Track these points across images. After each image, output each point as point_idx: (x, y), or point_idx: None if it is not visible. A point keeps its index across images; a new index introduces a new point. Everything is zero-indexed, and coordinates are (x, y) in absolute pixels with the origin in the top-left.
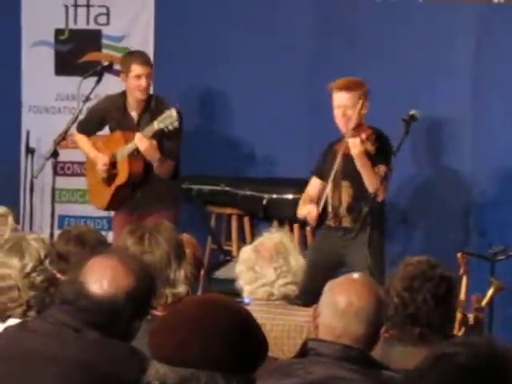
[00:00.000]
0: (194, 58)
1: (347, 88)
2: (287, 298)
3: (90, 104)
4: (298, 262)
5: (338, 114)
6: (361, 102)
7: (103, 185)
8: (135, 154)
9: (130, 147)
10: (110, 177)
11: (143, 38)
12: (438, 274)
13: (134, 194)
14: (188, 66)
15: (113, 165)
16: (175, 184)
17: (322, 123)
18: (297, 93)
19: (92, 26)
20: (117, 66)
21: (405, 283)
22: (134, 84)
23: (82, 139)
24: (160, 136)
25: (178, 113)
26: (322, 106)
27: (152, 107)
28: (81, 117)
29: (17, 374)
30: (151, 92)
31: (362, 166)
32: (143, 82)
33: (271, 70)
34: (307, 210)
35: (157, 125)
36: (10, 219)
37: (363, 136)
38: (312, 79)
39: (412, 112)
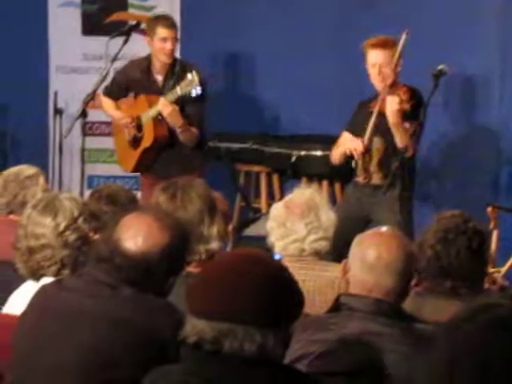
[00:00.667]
0: (221, 18)
1: (382, 46)
2: (318, 254)
3: (117, 64)
4: (328, 217)
5: (373, 72)
6: (397, 60)
7: (129, 148)
8: (159, 117)
9: (154, 111)
10: (136, 140)
11: None
12: (472, 228)
13: (159, 158)
14: (215, 26)
15: (138, 128)
16: (200, 149)
17: (350, 81)
18: (323, 51)
19: None
20: (144, 26)
21: (438, 236)
22: (159, 47)
23: (106, 101)
24: (182, 102)
25: (201, 78)
26: (350, 64)
27: (176, 71)
28: (109, 77)
29: (55, 331)
30: (178, 56)
31: (395, 124)
32: (168, 44)
33: (297, 32)
34: (355, 143)
35: (180, 90)
36: (41, 179)
37: (403, 96)
38: (338, 38)
39: (440, 67)
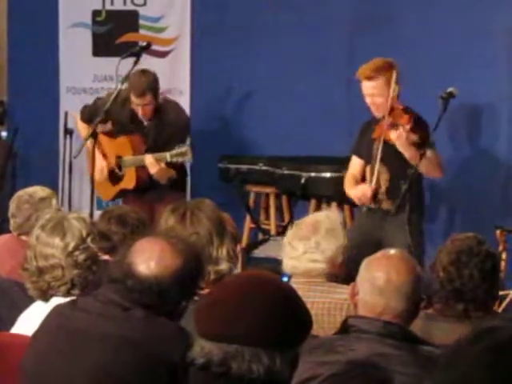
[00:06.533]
0: (232, 36)
1: (372, 77)
2: (311, 275)
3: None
4: (337, 239)
5: (368, 101)
6: (391, 86)
7: (108, 180)
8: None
9: (138, 161)
10: (115, 177)
11: (180, 18)
12: (485, 250)
13: (141, 198)
14: (226, 45)
15: (119, 167)
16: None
17: (360, 102)
18: (334, 73)
19: (129, 6)
20: (155, 47)
21: (451, 257)
22: (134, 106)
23: (83, 128)
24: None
25: (192, 150)
26: (359, 85)
27: (161, 114)
28: (119, 98)
29: (67, 351)
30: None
31: (412, 158)
32: (140, 110)
33: (308, 50)
34: (361, 191)
35: (169, 158)
36: (54, 201)
37: (407, 127)
38: (347, 59)
39: (450, 89)
